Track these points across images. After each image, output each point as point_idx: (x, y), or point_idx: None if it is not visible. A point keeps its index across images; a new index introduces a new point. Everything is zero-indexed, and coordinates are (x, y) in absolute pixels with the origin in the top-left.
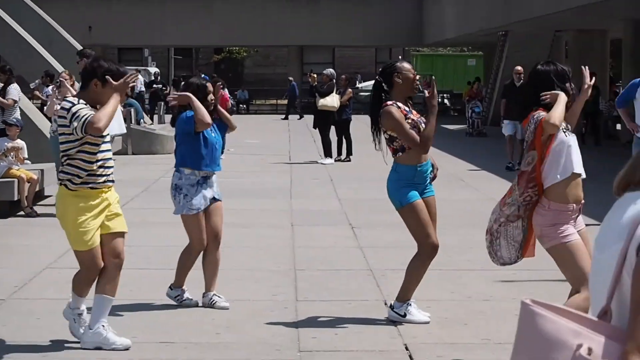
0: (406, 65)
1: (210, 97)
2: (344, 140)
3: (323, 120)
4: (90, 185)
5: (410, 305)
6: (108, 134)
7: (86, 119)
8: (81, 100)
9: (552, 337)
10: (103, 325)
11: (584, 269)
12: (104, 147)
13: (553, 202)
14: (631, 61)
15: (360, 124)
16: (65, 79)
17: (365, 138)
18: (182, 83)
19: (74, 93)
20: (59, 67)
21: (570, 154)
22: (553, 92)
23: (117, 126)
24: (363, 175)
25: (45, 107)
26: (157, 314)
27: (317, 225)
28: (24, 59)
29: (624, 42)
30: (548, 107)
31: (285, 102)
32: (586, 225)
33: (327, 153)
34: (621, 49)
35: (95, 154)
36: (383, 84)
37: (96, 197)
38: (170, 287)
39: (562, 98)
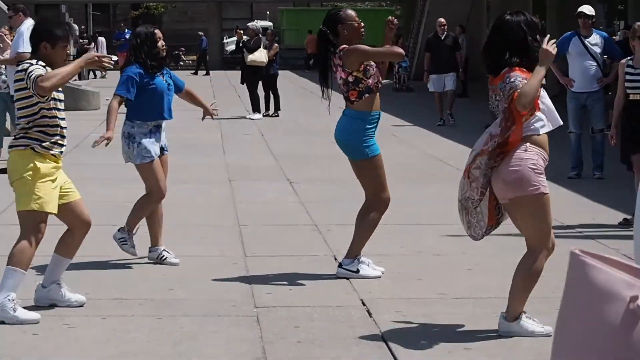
0: (350, 13)
1: (161, 43)
2: (271, 96)
3: (251, 75)
4: (52, 152)
5: (361, 260)
6: (62, 101)
7: (35, 76)
8: (40, 62)
9: (605, 288)
10: (58, 284)
11: (550, 226)
12: (60, 114)
13: (534, 147)
14: (556, 14)
15: (285, 80)
16: (5, 34)
17: (292, 93)
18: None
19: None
20: None
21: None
22: (544, 48)
23: None
24: (293, 130)
25: None
26: (106, 272)
27: (255, 180)
28: None
29: None
30: (524, 66)
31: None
32: None
33: (256, 108)
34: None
35: (53, 118)
36: (328, 34)
37: (55, 164)
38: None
39: (540, 71)
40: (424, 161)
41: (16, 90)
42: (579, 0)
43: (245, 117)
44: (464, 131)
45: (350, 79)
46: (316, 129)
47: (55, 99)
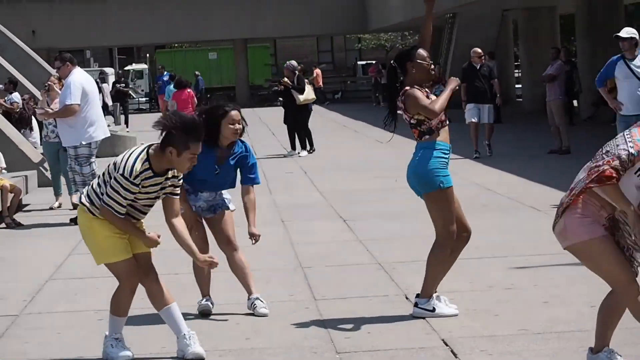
0: (422, 52)
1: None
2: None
3: (301, 114)
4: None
5: (435, 298)
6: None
7: (114, 208)
8: (143, 174)
9: None
10: None
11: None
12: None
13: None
14: (586, 36)
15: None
16: (55, 83)
17: (320, 129)
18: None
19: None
20: (15, 73)
21: None
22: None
23: (103, 132)
24: (332, 165)
25: (13, 115)
26: None
27: (308, 220)
28: None
29: (578, 17)
30: None
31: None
32: None
33: (304, 145)
34: (568, 24)
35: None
36: (398, 71)
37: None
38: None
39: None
40: (472, 191)
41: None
42: (608, 23)
43: (294, 155)
44: (504, 158)
45: (413, 121)
46: (353, 164)
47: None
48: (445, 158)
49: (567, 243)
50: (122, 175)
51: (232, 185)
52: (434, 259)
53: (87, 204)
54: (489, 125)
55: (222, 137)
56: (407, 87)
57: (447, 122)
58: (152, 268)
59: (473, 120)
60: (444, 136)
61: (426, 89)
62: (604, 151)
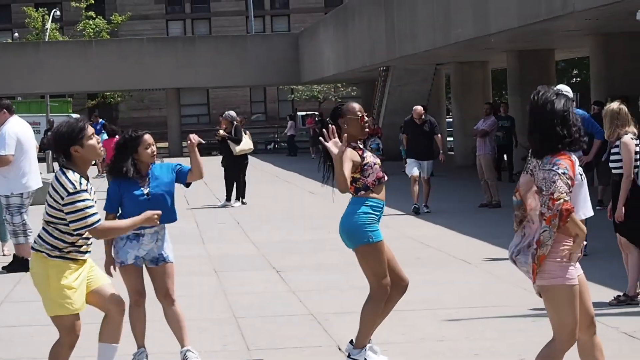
0: (352, 106)
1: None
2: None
3: (238, 164)
4: (71, 256)
5: (367, 349)
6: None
7: (92, 222)
8: (82, 181)
9: None
10: None
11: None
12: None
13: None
14: (517, 91)
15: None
16: None
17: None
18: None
19: None
20: None
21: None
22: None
23: (36, 182)
24: (265, 216)
25: None
26: None
27: (241, 270)
28: None
29: (509, 72)
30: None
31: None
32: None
33: (238, 196)
34: (500, 78)
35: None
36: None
37: (79, 264)
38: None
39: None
40: (406, 244)
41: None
42: (539, 79)
43: (217, 206)
44: (437, 212)
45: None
46: (286, 215)
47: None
48: (376, 214)
49: (543, 282)
50: (71, 194)
51: (173, 217)
52: (368, 310)
53: (46, 250)
54: (427, 181)
55: (141, 164)
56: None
57: (385, 179)
58: (122, 300)
59: (413, 174)
60: (378, 192)
61: (361, 144)
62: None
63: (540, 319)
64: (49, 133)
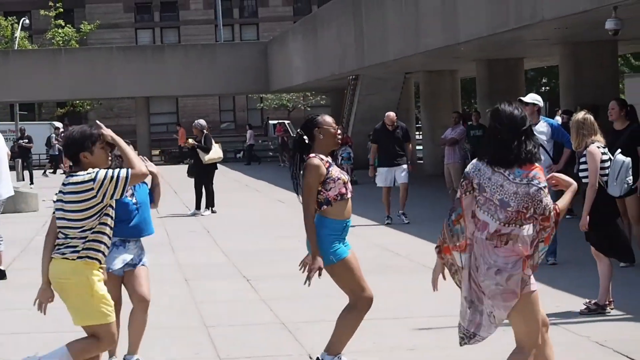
0: (327, 119)
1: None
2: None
3: (209, 173)
4: (102, 262)
5: (341, 358)
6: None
7: (126, 174)
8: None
9: None
10: None
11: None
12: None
13: None
14: (487, 100)
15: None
16: None
17: (223, 188)
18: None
19: None
20: None
21: None
22: None
23: (7, 190)
24: (235, 225)
25: None
26: None
27: (211, 279)
28: None
29: (478, 81)
30: None
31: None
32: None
33: (209, 204)
34: (468, 87)
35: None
36: (304, 137)
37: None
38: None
39: None
40: (374, 252)
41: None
42: (509, 88)
43: (187, 215)
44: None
45: None
46: (255, 223)
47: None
48: (336, 234)
49: (527, 291)
50: (94, 178)
51: (152, 228)
52: (348, 319)
53: (88, 256)
54: (404, 186)
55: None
56: (312, 155)
57: (348, 196)
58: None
59: (384, 185)
60: (340, 210)
61: (329, 156)
62: (527, 215)
63: (509, 328)
64: (20, 141)
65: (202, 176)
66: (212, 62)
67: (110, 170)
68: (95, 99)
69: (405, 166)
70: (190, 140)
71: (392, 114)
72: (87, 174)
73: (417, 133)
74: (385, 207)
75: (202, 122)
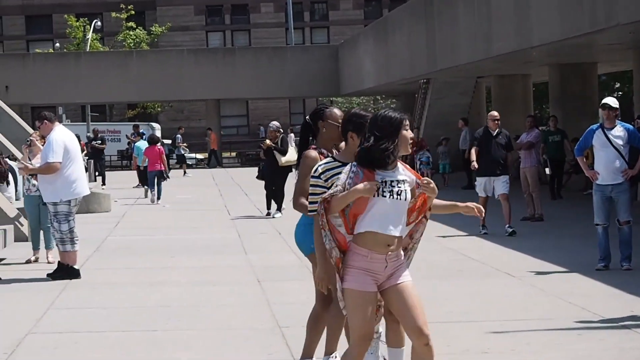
0: (335, 113)
1: None
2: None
3: (283, 175)
4: None
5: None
6: None
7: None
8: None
9: None
10: None
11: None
12: None
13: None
14: (559, 104)
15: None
16: (37, 139)
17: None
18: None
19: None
20: None
21: None
22: None
23: (83, 189)
24: None
25: None
26: None
27: (284, 280)
28: None
29: (550, 86)
30: None
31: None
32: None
33: (280, 206)
34: (541, 91)
35: None
36: (311, 126)
37: None
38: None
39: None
40: (448, 257)
41: None
42: (581, 93)
43: (260, 216)
44: (478, 224)
45: None
46: None
47: None
48: None
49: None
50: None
51: None
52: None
53: None
54: (505, 196)
55: None
56: (312, 147)
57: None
58: None
59: (483, 195)
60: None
61: (334, 150)
62: None
63: (585, 332)
64: (93, 142)
65: (277, 178)
66: (283, 65)
67: None
68: (165, 101)
69: (506, 176)
70: (268, 142)
71: (494, 113)
72: None
73: None
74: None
75: (277, 123)
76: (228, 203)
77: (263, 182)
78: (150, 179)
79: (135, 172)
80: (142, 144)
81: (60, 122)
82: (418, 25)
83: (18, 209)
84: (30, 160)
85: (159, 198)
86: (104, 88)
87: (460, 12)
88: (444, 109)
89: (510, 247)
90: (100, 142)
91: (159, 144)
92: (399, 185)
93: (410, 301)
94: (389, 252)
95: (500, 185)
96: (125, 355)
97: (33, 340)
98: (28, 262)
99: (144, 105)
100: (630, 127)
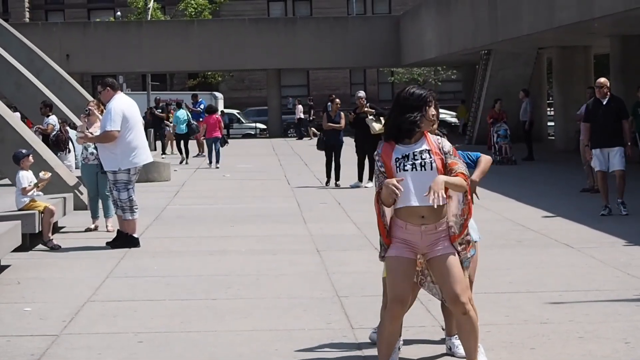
0: (359, 94)
1: None
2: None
3: (374, 143)
4: None
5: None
6: None
7: None
8: None
9: None
10: None
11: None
12: None
13: None
14: (620, 76)
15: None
16: (95, 108)
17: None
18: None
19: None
20: (50, 96)
21: None
22: None
23: (144, 157)
24: (366, 197)
25: (50, 138)
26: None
27: (343, 250)
28: (16, 88)
29: (612, 57)
30: None
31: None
32: None
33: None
34: (602, 63)
35: None
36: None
37: None
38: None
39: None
40: (506, 227)
41: None
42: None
43: (321, 186)
44: (537, 195)
45: None
46: None
47: None
48: None
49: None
50: None
51: None
52: None
53: None
54: (620, 173)
55: None
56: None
57: None
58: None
59: (600, 169)
60: None
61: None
62: None
63: None
64: (156, 110)
65: (368, 147)
66: (344, 35)
67: None
68: (226, 71)
69: (621, 148)
70: (366, 108)
71: (602, 80)
72: None
73: (549, 109)
74: (602, 195)
75: (363, 93)
76: (288, 173)
77: (323, 152)
78: (208, 145)
79: (195, 141)
80: (181, 113)
81: (122, 90)
82: None
83: (77, 177)
84: (88, 129)
85: (217, 161)
86: (165, 57)
87: None
88: (505, 80)
89: (568, 218)
90: (160, 110)
91: (218, 113)
92: (422, 156)
93: (448, 271)
94: (423, 225)
95: (615, 159)
96: (184, 323)
97: (92, 308)
98: (87, 230)
99: (205, 75)
100: None
